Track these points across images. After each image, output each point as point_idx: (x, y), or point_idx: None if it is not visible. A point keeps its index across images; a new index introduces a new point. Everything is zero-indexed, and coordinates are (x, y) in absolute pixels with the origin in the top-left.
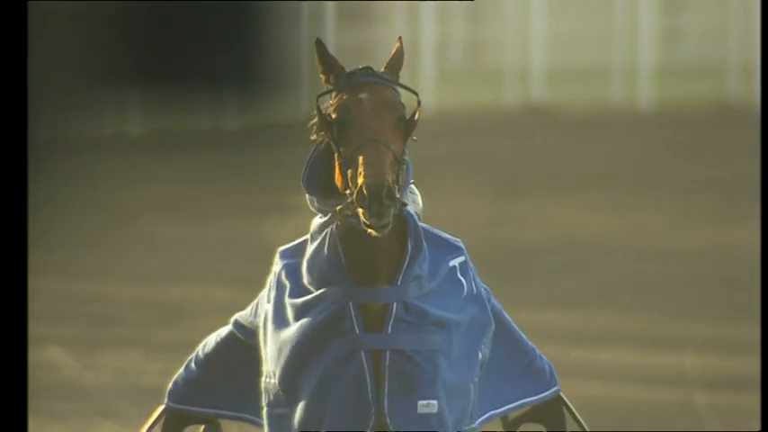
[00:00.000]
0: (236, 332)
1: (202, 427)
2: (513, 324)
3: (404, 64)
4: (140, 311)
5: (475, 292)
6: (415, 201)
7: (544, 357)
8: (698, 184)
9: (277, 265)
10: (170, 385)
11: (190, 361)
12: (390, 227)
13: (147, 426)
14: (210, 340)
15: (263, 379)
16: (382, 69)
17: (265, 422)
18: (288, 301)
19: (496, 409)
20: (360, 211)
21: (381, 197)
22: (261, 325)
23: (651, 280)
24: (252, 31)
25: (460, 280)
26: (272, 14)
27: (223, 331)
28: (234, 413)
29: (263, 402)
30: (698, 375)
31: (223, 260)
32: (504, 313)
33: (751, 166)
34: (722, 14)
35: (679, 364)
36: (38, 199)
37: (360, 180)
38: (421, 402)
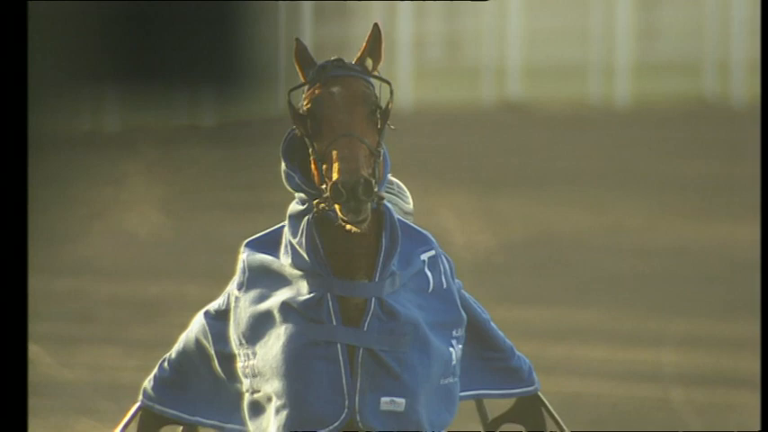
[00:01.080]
0: (207, 329)
1: (180, 428)
2: (488, 322)
3: (382, 51)
4: (117, 308)
5: (445, 286)
6: (405, 200)
7: (523, 357)
8: (675, 180)
9: (244, 253)
10: (145, 383)
11: (164, 360)
12: (368, 221)
13: (122, 423)
14: (182, 340)
15: (239, 364)
16: (356, 58)
17: (246, 409)
18: (260, 282)
19: (462, 392)
20: (336, 207)
21: (358, 193)
22: (231, 309)
23: (629, 276)
24: (229, 28)
25: (427, 275)
26: (249, 11)
27: (195, 329)
28: (204, 420)
29: (245, 388)
30: (675, 372)
31: (200, 257)
32: (479, 310)
33: (728, 163)
34: (699, 11)
35: (656, 360)
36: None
37: (335, 176)
38: (384, 399)
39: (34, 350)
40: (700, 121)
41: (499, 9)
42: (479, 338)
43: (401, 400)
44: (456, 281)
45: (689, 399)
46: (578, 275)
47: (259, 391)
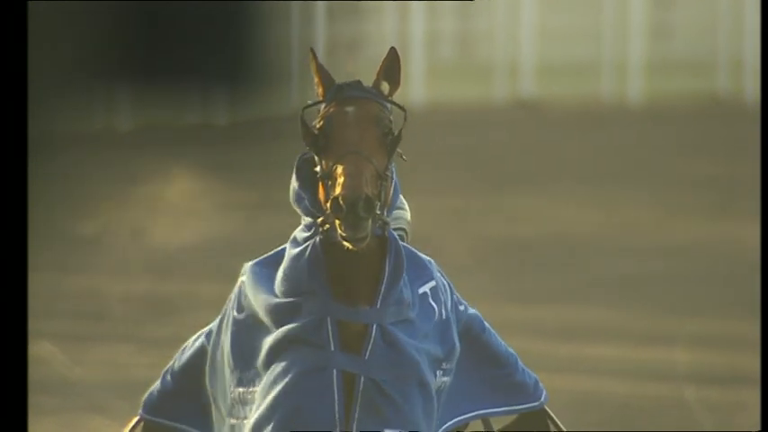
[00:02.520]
0: (207, 342)
1: None
2: (494, 336)
3: (400, 76)
4: (130, 306)
5: (444, 317)
6: (402, 216)
7: (528, 371)
8: (688, 179)
9: (243, 276)
10: (145, 396)
11: (166, 372)
12: (368, 240)
13: None
14: (185, 352)
15: (229, 387)
16: (373, 81)
17: None
18: (256, 305)
19: (458, 416)
20: (336, 222)
21: (357, 209)
22: (228, 330)
23: (641, 275)
24: (242, 27)
25: (432, 306)
26: (262, 11)
27: (197, 342)
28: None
29: (228, 412)
30: (688, 370)
31: (213, 255)
32: (485, 324)
33: (742, 161)
34: (712, 9)
35: (669, 359)
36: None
37: (337, 190)
38: (387, 431)
39: (47, 348)
40: (713, 119)
41: (512, 7)
42: (483, 356)
43: None
44: (455, 296)
45: (701, 398)
46: (590, 274)
47: (246, 419)
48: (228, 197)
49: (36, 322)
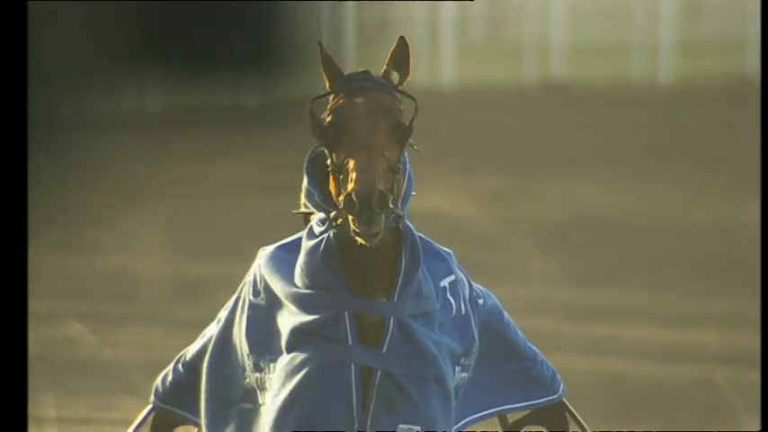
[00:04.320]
0: (223, 326)
1: (195, 429)
2: (512, 329)
3: (410, 65)
4: (160, 288)
5: (463, 312)
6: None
7: (546, 363)
8: (718, 160)
9: (260, 259)
10: (157, 382)
11: (177, 361)
12: (381, 236)
13: (135, 423)
14: (198, 341)
15: (247, 372)
16: (383, 71)
17: (248, 420)
18: (275, 289)
19: (478, 413)
20: (349, 218)
21: (371, 204)
22: (243, 314)
23: (671, 256)
24: (272, 8)
25: (450, 301)
26: None
27: (209, 331)
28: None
29: (243, 398)
30: (717, 351)
31: (242, 236)
32: (504, 317)
33: None
34: None
35: (699, 340)
36: (59, 176)
37: (350, 186)
38: (402, 426)
39: (77, 329)
40: (743, 99)
41: None
42: (501, 351)
43: (417, 428)
44: (474, 290)
45: (732, 378)
46: (620, 256)
47: (263, 405)
48: (260, 177)
49: (68, 304)
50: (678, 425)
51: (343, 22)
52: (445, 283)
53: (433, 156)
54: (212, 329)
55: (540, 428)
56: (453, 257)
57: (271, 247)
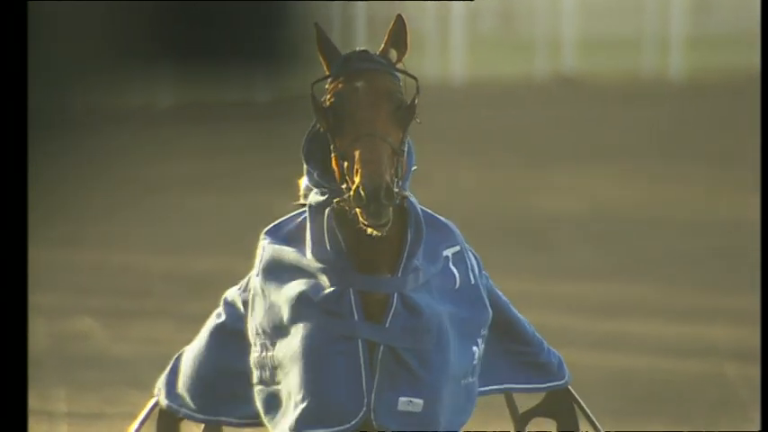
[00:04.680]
0: (224, 315)
1: (202, 426)
2: (518, 315)
3: (407, 42)
4: (170, 283)
5: (473, 282)
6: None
7: (553, 351)
8: (730, 154)
9: (264, 240)
10: (162, 379)
11: (179, 356)
12: (390, 224)
13: (139, 419)
14: (200, 334)
15: (253, 353)
16: (381, 49)
17: (261, 401)
18: (281, 273)
19: (485, 386)
20: (357, 211)
21: (380, 198)
22: (250, 299)
23: (683, 251)
24: (282, 3)
25: (452, 271)
26: None
27: (211, 322)
28: (220, 417)
29: (256, 380)
30: (728, 347)
31: (253, 232)
32: (508, 304)
33: None
34: None
35: (711, 335)
36: (66, 172)
37: (357, 179)
38: (402, 399)
39: (88, 324)
40: (754, 94)
41: None
42: (508, 333)
43: (419, 401)
44: (483, 273)
45: (743, 374)
46: (632, 250)
47: (278, 384)
48: (270, 173)
49: (78, 298)
50: (688, 420)
51: (354, 17)
52: (448, 252)
53: (443, 150)
54: (212, 322)
55: (550, 420)
56: (456, 230)
57: (272, 226)
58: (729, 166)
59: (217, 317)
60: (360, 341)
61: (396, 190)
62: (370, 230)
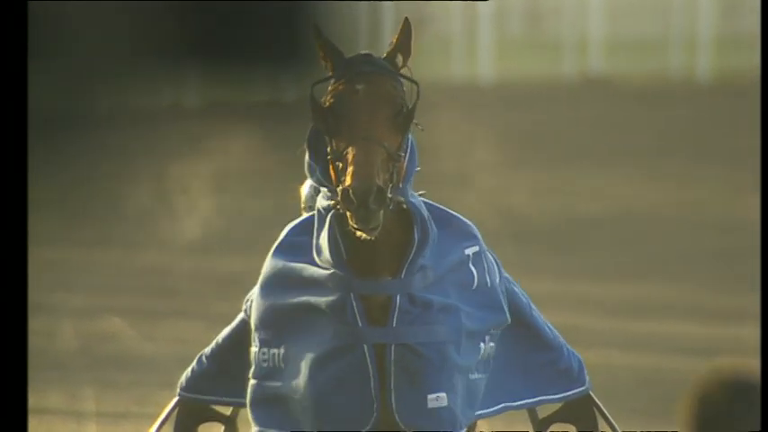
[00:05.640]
0: (247, 314)
1: (222, 428)
2: (540, 319)
3: (412, 46)
4: (198, 282)
5: (489, 284)
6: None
7: (575, 355)
8: (757, 155)
9: (281, 236)
10: (182, 378)
11: (201, 355)
12: (380, 229)
13: (159, 420)
14: (224, 332)
15: (253, 349)
16: (387, 53)
17: (251, 395)
18: (288, 269)
19: (512, 401)
20: (347, 213)
21: (368, 201)
22: (256, 293)
23: (710, 252)
24: (310, 4)
25: (471, 270)
26: None
27: (236, 320)
28: (242, 400)
29: (252, 374)
30: (757, 346)
31: (281, 231)
32: (532, 307)
33: None
34: None
35: (738, 335)
36: (95, 171)
37: (347, 181)
38: (430, 396)
39: (117, 323)
40: None
41: None
42: (528, 341)
43: (443, 395)
44: (504, 275)
45: None
46: (659, 251)
47: (273, 384)
48: (297, 173)
49: (107, 299)
50: None
51: (381, 18)
52: (469, 251)
53: (470, 151)
54: (237, 319)
55: (569, 426)
56: (479, 235)
57: (293, 225)
58: (757, 166)
59: (240, 316)
60: (366, 347)
61: (389, 195)
62: (359, 233)
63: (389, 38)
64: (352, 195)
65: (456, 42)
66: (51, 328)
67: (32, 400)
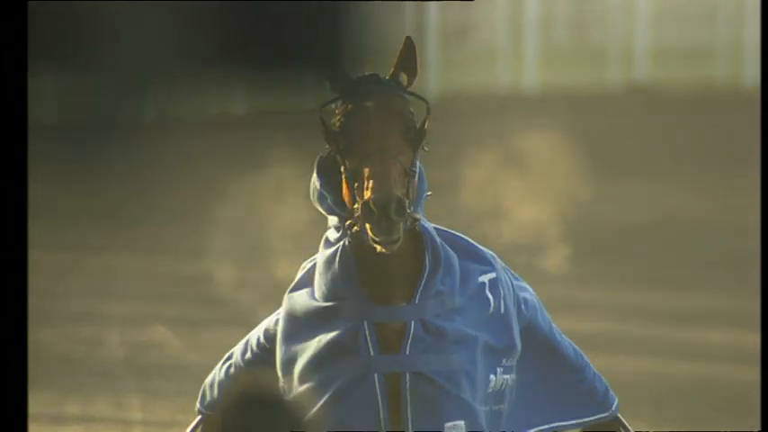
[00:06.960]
0: (264, 342)
1: None
2: (563, 341)
3: (417, 65)
4: (243, 291)
5: (503, 311)
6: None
7: (598, 375)
8: None
9: (297, 276)
10: (204, 388)
11: (229, 366)
12: (400, 242)
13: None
14: (243, 342)
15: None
16: (390, 73)
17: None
18: (300, 310)
19: (530, 428)
20: (367, 226)
21: (390, 212)
22: (279, 334)
23: (753, 259)
24: (356, 13)
25: (488, 298)
26: None
27: (252, 339)
28: None
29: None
30: None
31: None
32: (553, 327)
33: None
34: None
35: None
36: (144, 179)
37: (366, 194)
38: (447, 425)
39: (162, 332)
40: None
41: None
42: (551, 363)
43: (461, 423)
44: (519, 296)
45: None
46: (705, 258)
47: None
48: None
49: (152, 307)
50: None
51: (426, 25)
52: (485, 279)
53: (515, 159)
54: (255, 332)
55: None
56: (497, 259)
57: (298, 274)
58: None
59: (256, 340)
60: (376, 376)
61: (408, 210)
62: (379, 248)
63: (434, 43)
64: (372, 206)
65: (502, 51)
66: (98, 337)
67: (78, 408)
